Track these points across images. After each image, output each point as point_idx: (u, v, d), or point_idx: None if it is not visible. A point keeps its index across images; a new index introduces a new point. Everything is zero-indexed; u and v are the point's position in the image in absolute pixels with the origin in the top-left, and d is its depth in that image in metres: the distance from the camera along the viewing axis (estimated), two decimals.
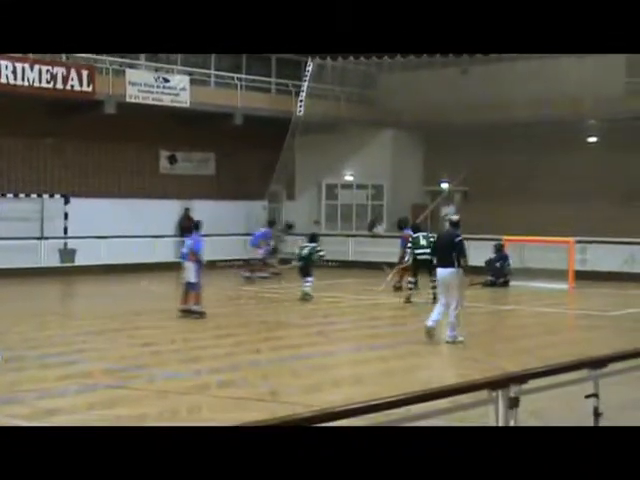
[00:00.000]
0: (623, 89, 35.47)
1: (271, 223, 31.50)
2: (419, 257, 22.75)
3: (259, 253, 29.27)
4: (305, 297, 23.21)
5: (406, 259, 24.03)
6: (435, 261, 17.05)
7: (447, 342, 16.04)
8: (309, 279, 23.49)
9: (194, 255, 19.51)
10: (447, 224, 17.34)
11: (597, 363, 6.71)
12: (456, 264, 16.08)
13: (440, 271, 16.42)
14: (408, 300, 22.44)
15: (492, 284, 26.86)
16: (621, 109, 33.31)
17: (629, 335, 17.52)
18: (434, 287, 20.09)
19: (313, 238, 25.00)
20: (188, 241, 20.12)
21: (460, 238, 16.28)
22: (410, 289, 22.92)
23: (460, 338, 16.09)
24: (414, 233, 23.98)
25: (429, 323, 16.19)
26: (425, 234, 23.74)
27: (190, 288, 19.45)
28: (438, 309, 16.37)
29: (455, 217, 17.30)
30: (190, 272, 19.38)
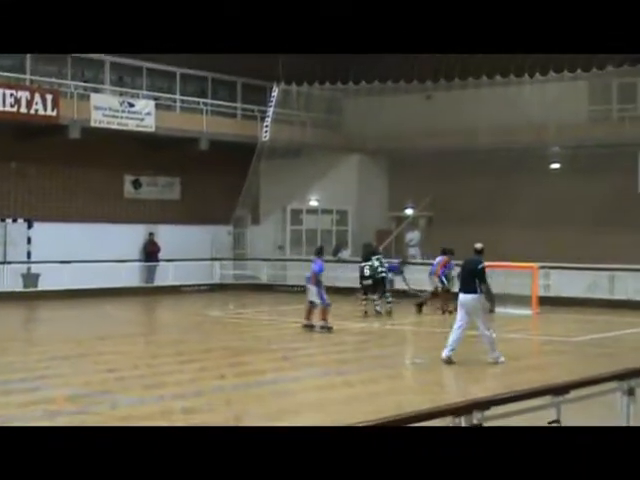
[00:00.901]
0: (586, 116, 35.86)
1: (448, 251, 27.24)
2: (364, 282, 25.52)
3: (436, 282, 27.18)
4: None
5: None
6: (459, 286, 17.44)
7: (489, 362, 16.59)
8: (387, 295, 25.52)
9: (315, 277, 21.49)
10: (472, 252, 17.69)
11: (560, 390, 6.76)
12: (478, 290, 16.61)
13: (462, 296, 16.80)
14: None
15: None
16: (584, 136, 33.63)
17: (592, 361, 17.64)
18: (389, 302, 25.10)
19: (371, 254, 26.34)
20: (313, 265, 21.84)
21: (483, 265, 16.86)
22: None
23: (502, 359, 16.62)
24: (369, 257, 25.99)
25: (446, 353, 16.52)
26: (378, 257, 26.02)
27: (313, 306, 21.69)
28: (454, 335, 16.70)
29: (479, 245, 17.73)
30: (312, 293, 21.62)
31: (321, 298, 21.58)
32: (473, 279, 16.70)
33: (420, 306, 26.68)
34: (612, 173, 31.85)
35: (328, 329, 21.53)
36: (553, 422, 6.59)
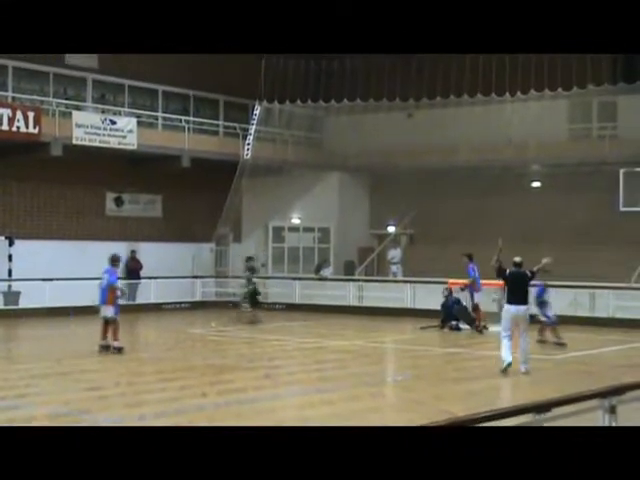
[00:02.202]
0: (566, 135, 36.10)
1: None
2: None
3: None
4: None
5: None
6: (508, 299, 17.96)
7: (523, 373, 17.51)
8: None
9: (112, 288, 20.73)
10: (513, 266, 18.16)
11: (541, 407, 6.77)
12: (528, 301, 17.94)
13: (515, 308, 17.62)
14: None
15: (457, 328, 26.83)
16: (564, 155, 33.85)
17: (573, 378, 17.67)
18: None
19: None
20: (108, 276, 20.92)
21: (531, 270, 17.99)
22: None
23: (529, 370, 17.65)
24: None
25: (509, 361, 17.49)
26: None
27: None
28: (507, 345, 17.64)
29: (519, 258, 18.17)
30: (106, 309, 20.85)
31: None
32: (525, 291, 17.81)
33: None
34: (592, 191, 32.02)
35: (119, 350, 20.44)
36: None
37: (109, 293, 20.97)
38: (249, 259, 29.75)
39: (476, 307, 26.63)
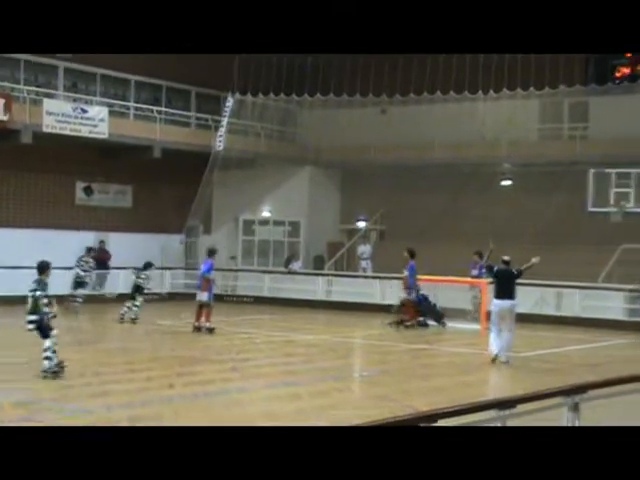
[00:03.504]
0: (537, 135, 36.32)
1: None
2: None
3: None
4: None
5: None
6: (495, 294, 19.44)
7: (504, 362, 18.70)
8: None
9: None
10: (501, 263, 19.62)
11: (506, 404, 6.83)
12: (515, 296, 19.22)
13: (501, 302, 19.04)
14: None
15: (425, 324, 26.93)
16: (535, 154, 34.08)
17: (538, 376, 17.80)
18: None
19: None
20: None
21: (519, 269, 19.24)
22: None
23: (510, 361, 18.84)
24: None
25: (496, 352, 18.85)
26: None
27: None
28: (494, 338, 19.02)
29: (507, 257, 19.61)
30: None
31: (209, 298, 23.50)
32: (512, 287, 19.17)
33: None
34: (562, 191, 32.22)
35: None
36: None
37: (204, 281, 23.90)
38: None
39: (412, 304, 26.60)
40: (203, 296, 23.81)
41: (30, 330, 16.12)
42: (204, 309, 23.84)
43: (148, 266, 26.54)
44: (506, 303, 19.04)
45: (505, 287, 19.17)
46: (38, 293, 16.19)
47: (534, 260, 19.57)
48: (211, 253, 24.54)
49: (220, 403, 14.07)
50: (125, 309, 25.72)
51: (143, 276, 26.25)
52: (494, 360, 18.81)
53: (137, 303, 25.62)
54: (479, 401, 6.95)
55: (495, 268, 19.62)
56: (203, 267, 24.28)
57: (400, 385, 16.36)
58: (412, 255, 26.70)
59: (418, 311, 26.98)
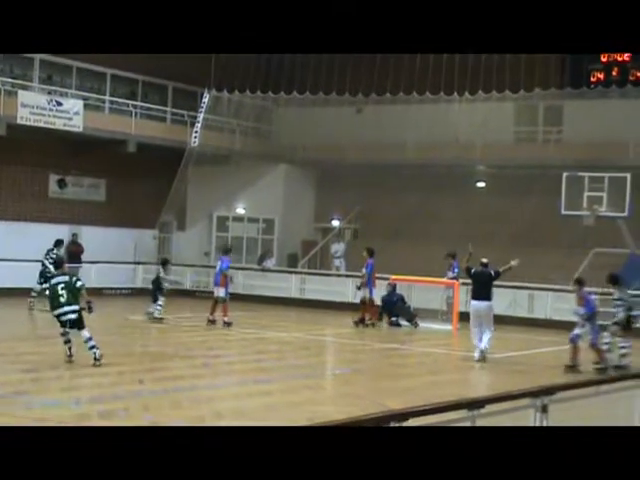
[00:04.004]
0: (512, 137, 36.48)
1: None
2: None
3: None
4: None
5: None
6: (472, 295, 20.07)
7: (477, 360, 19.31)
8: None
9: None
10: (480, 265, 20.20)
11: (475, 404, 6.87)
12: (492, 298, 19.80)
13: (478, 304, 19.66)
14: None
15: (397, 324, 26.99)
16: (509, 156, 34.22)
17: (508, 378, 17.89)
18: None
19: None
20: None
21: (497, 270, 19.85)
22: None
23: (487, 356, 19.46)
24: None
25: (481, 347, 19.44)
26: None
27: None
28: (477, 337, 19.61)
29: (486, 260, 20.19)
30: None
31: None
32: (489, 289, 19.72)
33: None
34: (535, 194, 32.36)
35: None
36: None
37: (221, 277, 24.97)
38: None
39: (371, 302, 26.67)
40: (220, 292, 24.92)
41: (70, 320, 16.51)
42: (220, 304, 24.90)
43: (166, 262, 27.25)
44: (482, 304, 19.60)
45: (481, 288, 19.69)
46: (79, 284, 16.94)
47: (513, 263, 20.12)
48: (227, 251, 26.19)
49: (190, 399, 14.06)
50: (157, 307, 25.48)
51: (162, 274, 26.36)
52: (483, 360, 19.37)
53: (160, 302, 25.49)
54: (449, 401, 6.98)
55: (473, 270, 20.09)
56: (221, 264, 25.35)
57: (371, 384, 16.41)
58: (371, 254, 26.87)
59: (377, 309, 27.07)
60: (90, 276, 33.52)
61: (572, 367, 18.44)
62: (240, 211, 38.64)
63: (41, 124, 31.73)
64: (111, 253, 34.40)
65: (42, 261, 27.36)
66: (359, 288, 26.88)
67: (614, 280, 20.18)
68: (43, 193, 34.86)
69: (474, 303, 19.81)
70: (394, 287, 27.80)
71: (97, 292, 32.80)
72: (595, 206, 29.81)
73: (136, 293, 34.20)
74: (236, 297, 33.45)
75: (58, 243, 28.33)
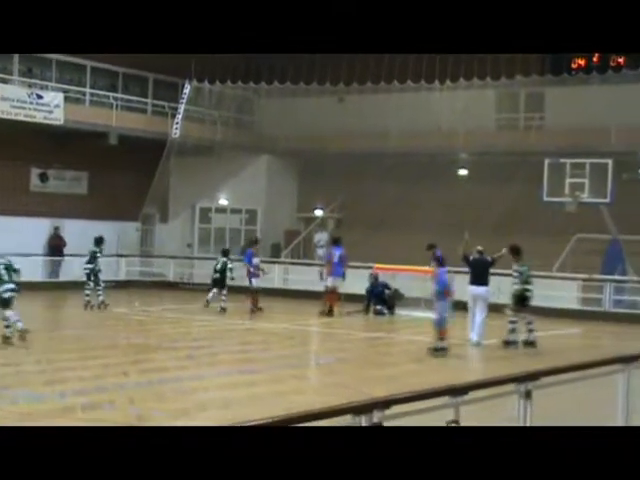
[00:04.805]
0: (494, 124, 36.52)
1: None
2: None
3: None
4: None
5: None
6: (470, 281, 20.75)
7: (474, 344, 20.08)
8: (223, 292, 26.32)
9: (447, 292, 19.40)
10: (476, 253, 21.07)
11: (459, 391, 6.88)
12: (489, 283, 20.69)
13: (476, 288, 20.51)
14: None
15: (381, 313, 27.04)
16: (491, 144, 34.23)
17: (492, 364, 17.96)
18: None
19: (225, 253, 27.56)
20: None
21: (493, 257, 20.69)
22: None
23: (483, 342, 20.16)
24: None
25: (475, 339, 20.15)
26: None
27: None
28: (471, 322, 20.38)
29: (481, 247, 21.07)
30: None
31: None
32: (487, 274, 20.56)
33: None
34: (518, 181, 32.45)
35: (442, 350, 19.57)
36: (452, 422, 6.71)
37: (247, 269, 26.36)
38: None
39: (333, 290, 26.74)
40: (251, 282, 26.38)
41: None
42: (251, 294, 26.28)
43: (227, 253, 27.65)
44: (480, 289, 20.53)
45: (480, 274, 20.57)
46: (17, 266, 18.05)
47: (505, 250, 20.77)
48: (251, 243, 27.97)
49: (175, 390, 14.04)
50: (223, 298, 26.27)
51: (230, 265, 26.87)
52: (477, 345, 20.13)
53: (225, 292, 26.44)
54: (432, 388, 6.98)
55: (470, 257, 20.89)
56: (244, 257, 27.19)
57: (356, 372, 16.43)
58: (335, 242, 27.62)
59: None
60: (73, 269, 33.47)
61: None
62: (223, 202, 38.58)
63: (22, 117, 31.61)
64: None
65: (93, 260, 26.78)
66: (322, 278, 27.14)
67: (515, 251, 20.74)
68: (25, 187, 34.71)
69: (473, 288, 20.61)
70: (376, 277, 27.84)
71: (80, 285, 32.76)
72: (577, 192, 29.88)
73: (119, 286, 34.12)
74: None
75: (99, 241, 27.39)
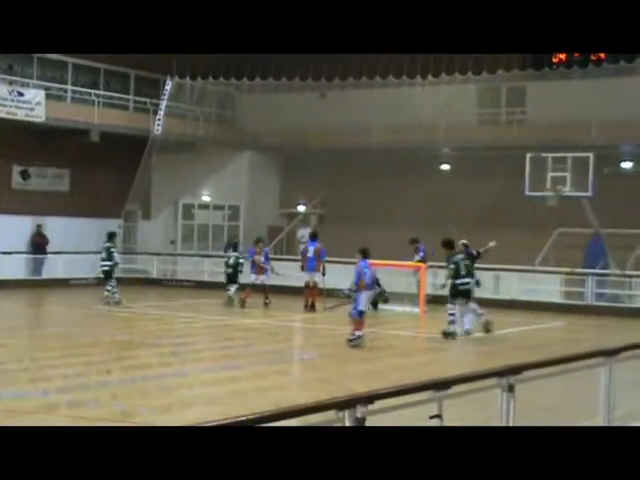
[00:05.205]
0: (475, 119, 36.59)
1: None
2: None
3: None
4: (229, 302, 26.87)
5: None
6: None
7: (465, 333, 20.69)
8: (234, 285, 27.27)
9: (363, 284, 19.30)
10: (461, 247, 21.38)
11: (441, 385, 6.92)
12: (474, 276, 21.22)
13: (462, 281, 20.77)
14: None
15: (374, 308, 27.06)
16: (473, 138, 34.35)
17: (475, 358, 18.02)
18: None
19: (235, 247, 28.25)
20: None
21: (478, 251, 21.13)
22: None
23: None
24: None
25: (467, 327, 20.79)
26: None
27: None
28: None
29: (466, 241, 21.48)
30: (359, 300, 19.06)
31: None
32: (472, 267, 21.01)
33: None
34: (500, 175, 32.47)
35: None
36: (434, 416, 6.75)
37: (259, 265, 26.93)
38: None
39: (314, 285, 26.88)
40: (258, 279, 27.05)
41: None
42: (266, 289, 26.98)
43: (237, 247, 28.41)
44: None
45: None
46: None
47: (491, 244, 21.28)
48: (256, 241, 27.86)
49: (158, 387, 14.05)
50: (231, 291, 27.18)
51: (241, 259, 27.71)
52: (468, 334, 20.74)
53: (237, 287, 27.29)
54: (415, 382, 7.02)
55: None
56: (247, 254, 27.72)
57: (339, 368, 16.46)
58: (312, 237, 28.15)
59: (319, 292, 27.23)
60: (56, 267, 33.44)
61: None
62: (205, 198, 38.56)
63: (2, 115, 31.50)
64: (76, 243, 34.21)
65: (109, 256, 26.81)
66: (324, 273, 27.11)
67: (446, 245, 21.59)
68: (6, 185, 34.61)
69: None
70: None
71: (63, 283, 32.75)
72: (559, 186, 29.96)
73: (102, 283, 34.03)
74: (203, 285, 33.53)
75: (112, 236, 27.79)
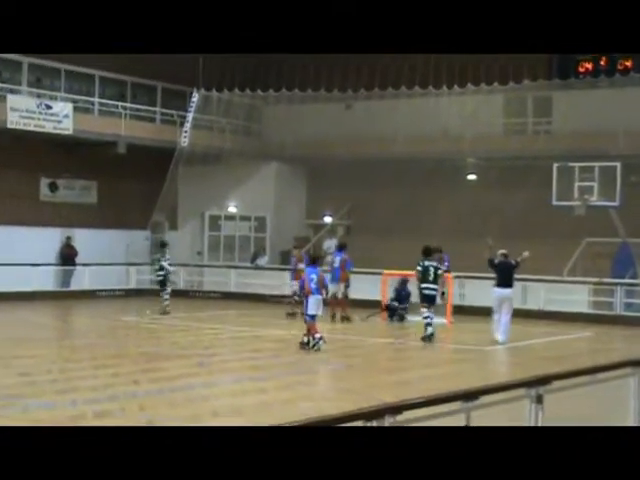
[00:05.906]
0: (501, 129, 36.48)
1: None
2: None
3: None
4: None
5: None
6: (497, 283, 21.83)
7: (501, 343, 21.26)
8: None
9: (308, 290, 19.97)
10: (501, 257, 22.00)
11: (469, 396, 6.90)
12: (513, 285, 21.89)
13: (502, 290, 21.66)
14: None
15: (402, 318, 27.04)
16: (499, 149, 34.23)
17: (503, 369, 17.94)
18: None
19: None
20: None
21: (516, 260, 21.69)
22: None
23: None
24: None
25: (502, 338, 21.39)
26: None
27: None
28: (497, 322, 21.64)
29: (505, 250, 22.07)
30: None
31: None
32: (511, 276, 21.69)
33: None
34: (526, 186, 32.36)
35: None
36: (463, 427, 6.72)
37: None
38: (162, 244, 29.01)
39: (334, 296, 26.76)
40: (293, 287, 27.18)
41: None
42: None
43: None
44: (506, 291, 21.68)
45: (505, 277, 21.68)
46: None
47: (525, 254, 21.83)
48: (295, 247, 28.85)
49: (185, 398, 14.06)
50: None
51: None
52: (498, 343, 21.24)
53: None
54: (443, 393, 7.00)
55: (496, 261, 21.91)
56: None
57: (366, 379, 16.43)
58: (340, 248, 28.08)
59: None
60: (84, 278, 33.59)
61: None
62: (232, 210, 38.61)
63: (31, 127, 31.71)
64: (104, 255, 34.37)
65: (162, 265, 27.28)
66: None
67: (423, 251, 22.38)
68: (35, 197, 34.81)
69: (499, 290, 21.69)
70: (405, 281, 27.53)
71: (91, 294, 32.89)
72: (586, 196, 29.83)
73: (130, 294, 34.20)
74: (230, 296, 33.58)
75: (164, 245, 28.37)
